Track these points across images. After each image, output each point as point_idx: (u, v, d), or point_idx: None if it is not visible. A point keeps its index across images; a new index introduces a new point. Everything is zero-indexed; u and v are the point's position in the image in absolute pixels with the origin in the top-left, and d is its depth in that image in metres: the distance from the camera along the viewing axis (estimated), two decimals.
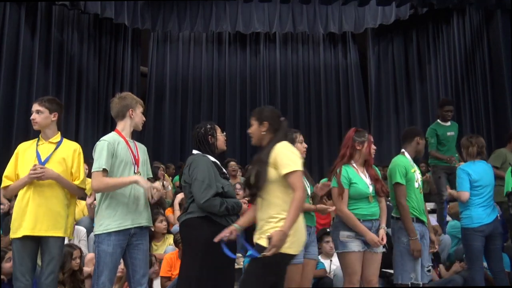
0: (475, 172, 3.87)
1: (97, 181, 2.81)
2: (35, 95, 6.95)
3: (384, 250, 3.26)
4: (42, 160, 3.03)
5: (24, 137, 6.74)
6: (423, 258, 3.45)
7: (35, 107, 3.10)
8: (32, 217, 2.95)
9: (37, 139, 3.16)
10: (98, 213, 2.91)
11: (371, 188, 3.20)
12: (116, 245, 2.82)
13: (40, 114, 3.08)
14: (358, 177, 3.21)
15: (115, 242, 2.81)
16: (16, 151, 3.15)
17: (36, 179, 2.94)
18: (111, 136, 2.94)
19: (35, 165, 2.93)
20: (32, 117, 3.10)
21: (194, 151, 3.08)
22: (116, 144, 2.89)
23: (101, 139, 2.92)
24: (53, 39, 7.74)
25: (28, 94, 6.96)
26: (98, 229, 2.86)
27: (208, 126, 3.13)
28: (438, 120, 5.57)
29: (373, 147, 3.33)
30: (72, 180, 3.11)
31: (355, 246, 3.11)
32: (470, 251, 3.81)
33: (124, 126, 3.00)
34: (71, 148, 3.17)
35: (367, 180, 3.22)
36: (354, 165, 3.25)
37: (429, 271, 3.51)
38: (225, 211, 2.82)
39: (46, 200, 2.99)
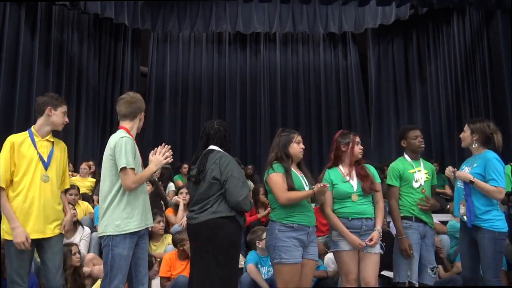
0: None
1: (133, 180, 2.76)
2: (35, 95, 6.96)
3: (381, 251, 3.25)
4: (46, 161, 2.95)
5: None
6: (425, 259, 3.45)
7: (66, 108, 3.09)
8: (40, 219, 2.88)
9: (27, 133, 2.98)
10: (109, 213, 2.78)
11: (355, 188, 3.23)
12: (130, 248, 2.78)
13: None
14: (341, 178, 3.26)
15: (129, 244, 2.77)
16: (8, 144, 2.89)
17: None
18: (127, 135, 2.87)
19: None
20: (66, 119, 3.09)
21: (214, 147, 3.01)
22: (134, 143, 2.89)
23: (123, 135, 2.82)
24: (53, 39, 7.75)
25: (28, 94, 6.97)
26: (115, 229, 2.73)
27: (225, 124, 3.13)
28: None
29: (360, 147, 3.37)
30: (61, 180, 3.09)
31: (345, 245, 3.15)
32: (499, 259, 3.23)
33: (132, 126, 2.96)
34: (62, 147, 3.13)
35: (353, 181, 3.25)
36: (341, 167, 3.31)
37: (434, 273, 3.49)
38: (250, 209, 2.90)
39: (49, 200, 2.94)
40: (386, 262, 3.63)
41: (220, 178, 2.84)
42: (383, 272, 4.18)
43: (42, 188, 2.91)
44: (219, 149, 2.99)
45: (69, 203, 4.62)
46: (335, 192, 3.24)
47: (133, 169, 2.76)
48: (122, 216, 2.76)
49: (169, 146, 3.04)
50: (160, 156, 2.95)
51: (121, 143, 2.77)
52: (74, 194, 5.14)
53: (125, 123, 2.95)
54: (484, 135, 3.34)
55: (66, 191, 3.37)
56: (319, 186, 3.00)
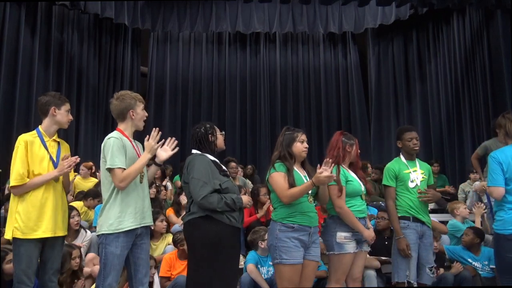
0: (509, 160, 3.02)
1: (120, 178, 2.77)
2: (35, 95, 6.96)
3: (369, 249, 3.40)
4: (55, 161, 2.99)
5: None
6: (423, 258, 3.48)
7: (69, 106, 3.10)
8: (53, 218, 2.91)
9: (35, 132, 3.01)
10: (105, 213, 2.83)
11: (363, 187, 3.33)
12: (124, 247, 2.80)
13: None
14: (351, 176, 3.31)
15: (123, 243, 2.79)
16: (23, 144, 2.94)
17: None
18: (117, 135, 2.91)
19: (66, 156, 2.91)
20: (70, 117, 3.10)
21: (194, 151, 3.08)
22: (124, 142, 2.89)
23: (110, 136, 2.88)
24: (53, 39, 7.75)
25: (28, 94, 6.97)
26: (109, 228, 2.78)
27: (207, 125, 3.15)
28: None
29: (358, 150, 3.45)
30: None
31: (351, 247, 3.19)
32: (502, 262, 3.03)
33: (126, 127, 2.99)
34: (66, 147, 3.16)
35: (359, 180, 3.34)
36: (344, 166, 3.35)
37: (432, 272, 3.51)
38: (225, 207, 2.82)
39: (60, 199, 2.98)
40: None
41: (188, 181, 2.91)
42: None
43: (54, 188, 2.97)
44: (198, 152, 3.05)
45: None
46: (350, 189, 3.25)
47: (121, 168, 2.78)
48: (116, 215, 2.80)
49: (174, 139, 3.13)
50: (152, 140, 2.94)
51: (108, 144, 2.84)
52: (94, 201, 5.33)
53: (119, 125, 3.02)
54: (503, 128, 3.16)
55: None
56: (317, 175, 2.88)
